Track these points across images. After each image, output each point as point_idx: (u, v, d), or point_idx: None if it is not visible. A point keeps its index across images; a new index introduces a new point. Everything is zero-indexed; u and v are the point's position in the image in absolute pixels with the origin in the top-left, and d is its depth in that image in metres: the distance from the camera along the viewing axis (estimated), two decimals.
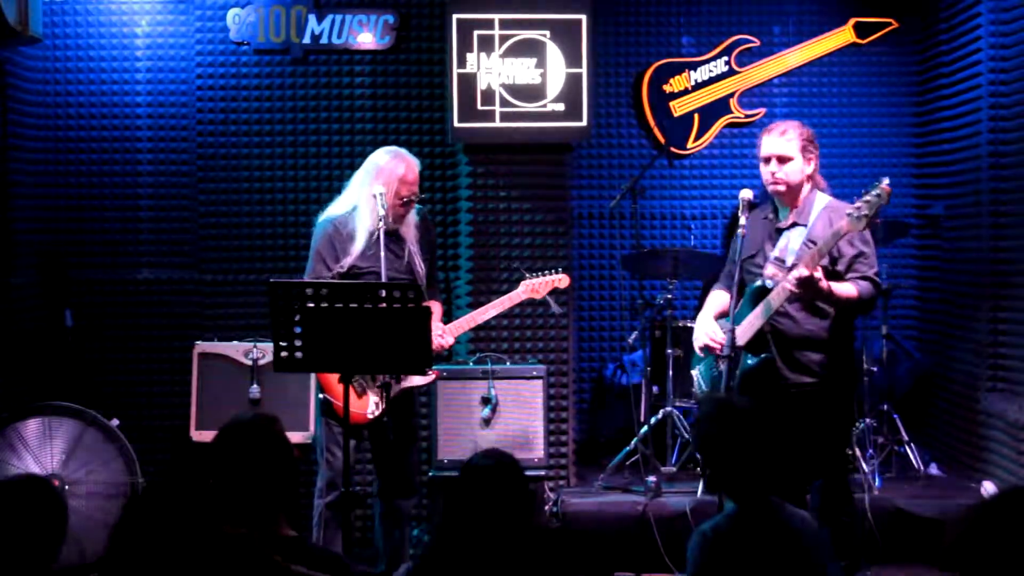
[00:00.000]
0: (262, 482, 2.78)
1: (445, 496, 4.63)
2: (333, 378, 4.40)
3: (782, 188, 4.26)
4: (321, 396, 4.57)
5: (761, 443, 3.13)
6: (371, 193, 4.49)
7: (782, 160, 4.24)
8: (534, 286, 4.87)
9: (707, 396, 5.06)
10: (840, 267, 4.12)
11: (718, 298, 4.53)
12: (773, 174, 4.26)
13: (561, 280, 4.91)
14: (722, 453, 3.12)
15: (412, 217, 4.66)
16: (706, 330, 4.39)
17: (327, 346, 3.85)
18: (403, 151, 4.69)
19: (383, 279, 4.31)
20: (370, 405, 4.50)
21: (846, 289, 4.08)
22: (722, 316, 4.43)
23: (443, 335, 4.64)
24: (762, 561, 2.99)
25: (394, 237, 4.55)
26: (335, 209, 4.64)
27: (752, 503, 3.08)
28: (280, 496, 2.82)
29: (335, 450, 4.54)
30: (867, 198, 3.89)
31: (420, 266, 4.63)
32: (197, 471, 2.64)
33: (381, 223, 4.43)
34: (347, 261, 4.51)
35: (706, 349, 4.40)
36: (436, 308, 4.66)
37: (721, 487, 3.17)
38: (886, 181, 3.92)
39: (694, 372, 4.59)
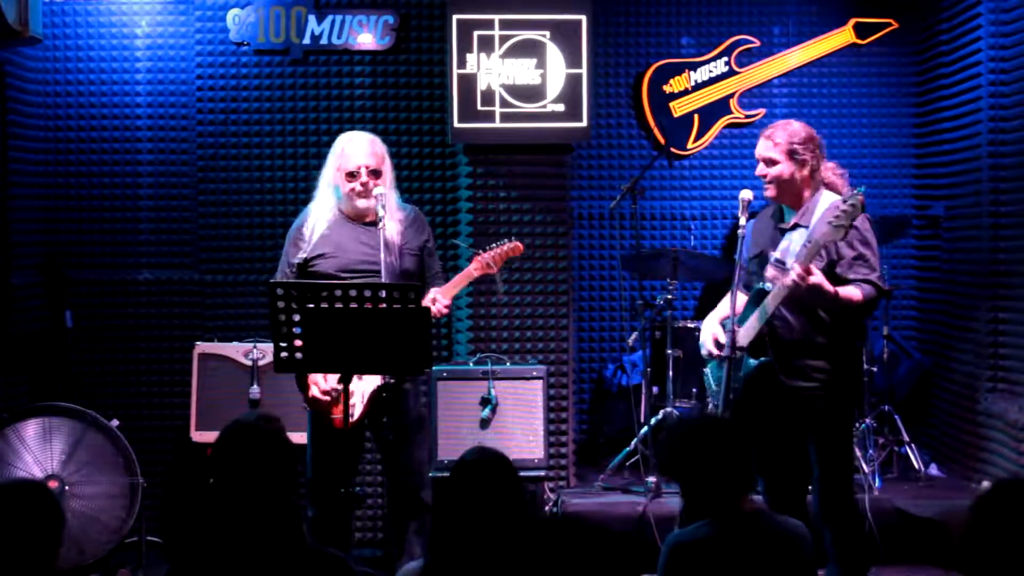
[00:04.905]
0: (265, 485, 2.77)
1: (435, 495, 4.58)
2: (310, 384, 4.38)
3: (771, 192, 4.24)
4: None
5: (733, 454, 3.02)
6: (325, 183, 4.56)
7: (768, 163, 4.23)
8: (487, 260, 4.57)
9: (675, 419, 5.09)
10: (840, 270, 4.08)
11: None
12: (763, 177, 4.25)
13: (515, 248, 4.62)
14: (694, 470, 3.01)
15: (397, 212, 4.56)
16: (706, 336, 4.37)
17: (327, 346, 3.86)
18: (354, 132, 4.70)
19: (342, 264, 4.41)
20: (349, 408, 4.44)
21: (848, 292, 4.03)
22: (728, 318, 4.41)
23: (435, 301, 4.45)
24: (749, 571, 2.94)
25: (367, 226, 4.47)
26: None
27: (732, 515, 2.99)
28: (282, 499, 2.81)
29: (321, 458, 4.50)
30: (843, 207, 3.86)
31: (393, 262, 4.39)
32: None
33: (380, 218, 4.41)
34: (302, 253, 4.51)
35: (709, 354, 4.38)
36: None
37: (698, 508, 3.02)
38: (861, 190, 3.89)
39: (706, 370, 4.56)
